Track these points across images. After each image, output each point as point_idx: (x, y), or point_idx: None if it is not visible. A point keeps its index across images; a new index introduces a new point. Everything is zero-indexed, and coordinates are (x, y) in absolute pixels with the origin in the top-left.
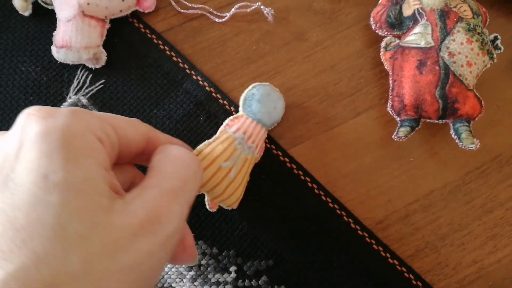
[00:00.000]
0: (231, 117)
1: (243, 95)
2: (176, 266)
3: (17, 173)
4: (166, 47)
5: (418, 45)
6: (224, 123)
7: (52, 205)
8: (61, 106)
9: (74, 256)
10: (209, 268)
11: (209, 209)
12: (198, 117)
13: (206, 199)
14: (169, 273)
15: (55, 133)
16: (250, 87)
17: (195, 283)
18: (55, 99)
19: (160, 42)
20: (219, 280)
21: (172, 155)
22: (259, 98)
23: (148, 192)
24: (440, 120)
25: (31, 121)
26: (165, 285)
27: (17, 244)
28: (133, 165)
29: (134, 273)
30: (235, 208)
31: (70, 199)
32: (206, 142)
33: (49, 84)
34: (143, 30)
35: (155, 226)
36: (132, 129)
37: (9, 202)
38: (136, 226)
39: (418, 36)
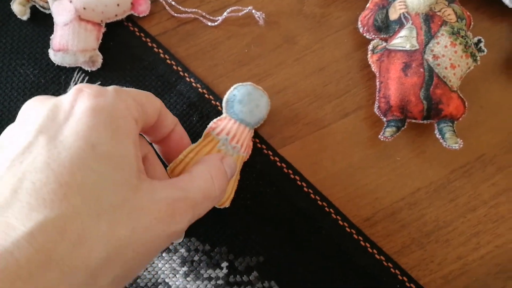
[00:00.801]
0: (214, 120)
1: (225, 97)
2: (169, 262)
3: (65, 137)
4: (160, 50)
5: (404, 48)
6: (208, 126)
7: (96, 172)
8: None
9: (103, 220)
10: (201, 264)
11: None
12: (191, 117)
13: None
14: (162, 268)
15: (103, 111)
16: (231, 88)
17: (188, 279)
18: None
19: (154, 45)
20: (211, 275)
21: (210, 172)
22: (240, 98)
23: (175, 192)
24: (425, 121)
25: (83, 96)
26: (159, 280)
27: (58, 196)
28: (146, 140)
29: (139, 250)
30: (227, 206)
31: (110, 171)
32: (192, 146)
33: (47, 86)
34: (138, 33)
35: (169, 220)
36: (151, 105)
37: (55, 159)
38: (156, 212)
39: (404, 39)
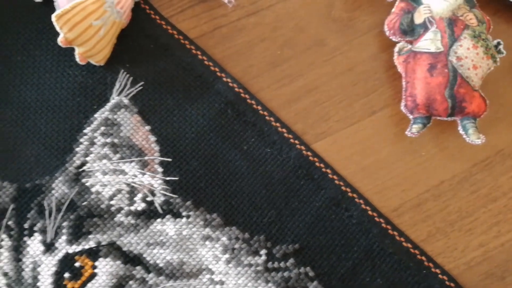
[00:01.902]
0: None
1: None
2: (212, 250)
3: None
4: (198, 52)
5: (429, 50)
6: None
7: None
8: (106, 106)
9: None
10: (241, 252)
11: (79, 62)
12: (228, 115)
13: (76, 52)
14: (206, 256)
15: None
16: None
17: (229, 265)
18: (99, 100)
19: (192, 47)
20: (251, 262)
21: None
22: None
23: None
24: (449, 118)
25: None
26: (203, 266)
27: None
28: None
29: None
30: (102, 64)
31: None
32: (80, 0)
33: (94, 86)
34: (177, 36)
35: None
36: None
37: None
38: None
39: (429, 42)
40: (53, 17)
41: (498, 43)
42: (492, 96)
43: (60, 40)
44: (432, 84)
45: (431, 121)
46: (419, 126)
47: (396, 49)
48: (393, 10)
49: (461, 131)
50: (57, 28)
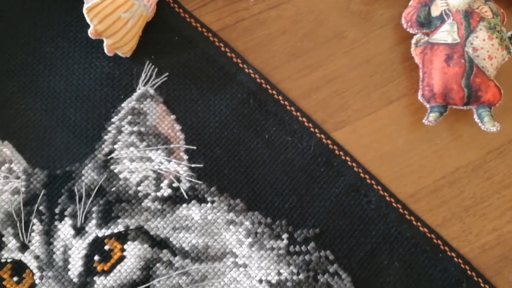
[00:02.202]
0: None
1: None
2: (236, 234)
3: None
4: (221, 44)
5: (446, 42)
6: None
7: None
8: (132, 96)
9: None
10: (264, 236)
11: (107, 53)
12: (250, 105)
13: (104, 44)
14: (230, 240)
15: None
16: None
17: (252, 249)
18: (126, 90)
19: (215, 39)
20: (273, 246)
21: None
22: None
23: None
24: (464, 107)
25: None
26: (227, 250)
27: None
28: None
29: None
30: (128, 56)
31: None
32: None
33: (121, 77)
34: (200, 29)
35: None
36: None
37: None
38: None
39: (446, 33)
40: (84, 10)
41: None
42: (506, 86)
43: (90, 32)
44: (449, 74)
45: (448, 110)
46: (436, 115)
47: (414, 40)
48: (410, 3)
49: (477, 120)
50: (88, 20)
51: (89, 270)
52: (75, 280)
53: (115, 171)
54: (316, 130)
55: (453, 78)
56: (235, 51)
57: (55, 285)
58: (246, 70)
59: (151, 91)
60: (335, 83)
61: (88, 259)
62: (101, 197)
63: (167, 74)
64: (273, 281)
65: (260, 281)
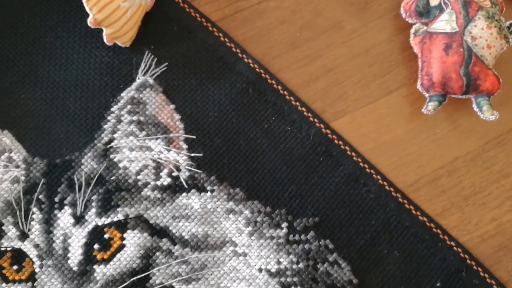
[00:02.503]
0: None
1: None
2: (235, 223)
3: None
4: (220, 34)
5: (445, 31)
6: None
7: None
8: (132, 86)
9: None
10: (264, 225)
11: (106, 43)
12: (249, 95)
13: (104, 33)
14: (229, 228)
15: None
16: None
17: (252, 237)
18: (126, 79)
19: (215, 29)
20: (272, 235)
21: None
22: None
23: None
24: (463, 96)
25: None
26: (226, 239)
27: None
28: None
29: None
30: (128, 46)
31: None
32: None
33: (120, 67)
34: (199, 19)
35: None
36: None
37: None
38: None
39: (444, 22)
40: None
41: (511, 25)
42: (505, 75)
43: (90, 21)
44: (448, 62)
45: (446, 99)
46: (435, 104)
47: (412, 30)
48: None
49: (476, 108)
50: (87, 9)
51: (89, 259)
52: (75, 268)
53: (115, 160)
54: (316, 120)
55: (452, 67)
56: (234, 41)
57: (54, 273)
58: (245, 60)
59: (151, 81)
60: (334, 73)
61: (87, 248)
62: (101, 186)
63: (166, 64)
64: (273, 270)
65: (260, 270)
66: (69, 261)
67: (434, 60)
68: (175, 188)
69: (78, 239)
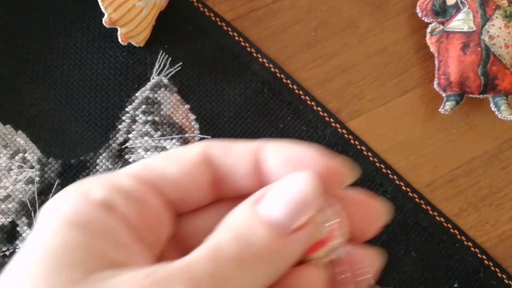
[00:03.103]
0: None
1: None
2: None
3: None
4: (235, 34)
5: (462, 30)
6: None
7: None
8: (146, 86)
9: None
10: None
11: (121, 43)
12: (265, 95)
13: (119, 33)
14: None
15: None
16: None
17: None
18: (140, 79)
19: (229, 29)
20: None
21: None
22: None
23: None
24: (481, 95)
25: None
26: None
27: None
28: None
29: None
30: (142, 45)
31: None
32: None
33: (135, 67)
34: (214, 18)
35: None
36: (173, 162)
37: None
38: None
39: (461, 22)
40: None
41: None
42: None
43: (105, 20)
44: (466, 62)
45: (464, 98)
46: (452, 103)
47: (429, 29)
48: None
49: (493, 108)
50: (102, 8)
51: None
52: None
53: (130, 160)
54: (331, 120)
55: (469, 66)
56: (249, 41)
57: None
58: (260, 59)
59: (165, 81)
60: (350, 72)
61: None
62: None
63: (180, 63)
64: None
65: None
66: None
67: (452, 60)
68: None
69: None
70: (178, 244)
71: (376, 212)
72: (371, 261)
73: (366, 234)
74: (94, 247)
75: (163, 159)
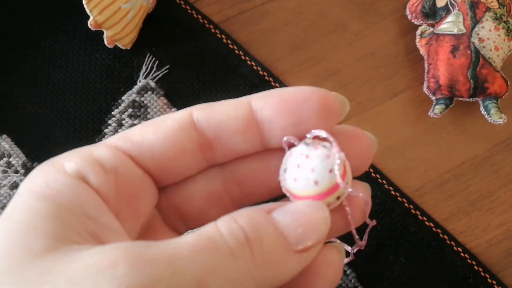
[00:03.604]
0: None
1: None
2: None
3: None
4: (223, 36)
5: (452, 32)
6: None
7: None
8: (133, 89)
9: None
10: None
11: (107, 45)
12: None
13: (105, 35)
14: None
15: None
16: None
17: None
18: (127, 83)
19: (217, 31)
20: None
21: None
22: None
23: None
24: (471, 99)
25: None
26: None
27: None
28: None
29: None
30: (129, 48)
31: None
32: None
33: (121, 70)
34: (202, 20)
35: None
36: (152, 129)
37: None
38: None
39: (451, 24)
40: (84, 0)
41: None
42: None
43: (90, 23)
44: (455, 65)
45: (453, 102)
46: (441, 107)
47: (418, 32)
48: None
49: (483, 112)
50: (88, 11)
51: None
52: None
53: None
54: None
55: (459, 70)
56: (237, 43)
57: None
58: (248, 62)
59: (152, 84)
60: (339, 75)
61: None
62: None
63: (168, 66)
64: None
65: None
66: None
67: (441, 63)
68: None
69: None
70: (171, 216)
71: (367, 141)
72: (367, 195)
73: (361, 167)
74: (63, 219)
75: (141, 127)
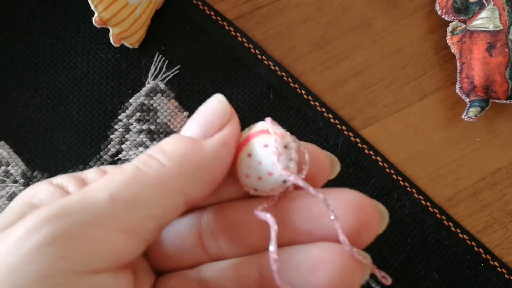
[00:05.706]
0: None
1: None
2: None
3: None
4: (237, 34)
5: (487, 29)
6: None
7: None
8: (141, 91)
9: None
10: None
11: (113, 44)
12: (270, 100)
13: (110, 33)
14: None
15: None
16: None
17: None
18: (134, 84)
19: (231, 28)
20: None
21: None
22: None
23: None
24: (507, 100)
25: None
26: None
27: None
28: None
29: None
30: (136, 47)
31: None
32: None
33: (128, 70)
34: (214, 17)
35: None
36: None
37: None
38: None
39: (486, 20)
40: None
41: None
42: None
43: (95, 20)
44: (492, 64)
45: (489, 104)
46: (476, 110)
47: (449, 28)
48: None
49: None
50: (92, 7)
51: None
52: None
53: None
54: (344, 127)
55: (496, 69)
56: (253, 41)
57: None
58: (265, 61)
59: (162, 86)
60: (363, 75)
61: None
62: None
63: (178, 66)
64: None
65: None
66: None
67: (476, 62)
68: None
69: None
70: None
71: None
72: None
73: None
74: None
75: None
